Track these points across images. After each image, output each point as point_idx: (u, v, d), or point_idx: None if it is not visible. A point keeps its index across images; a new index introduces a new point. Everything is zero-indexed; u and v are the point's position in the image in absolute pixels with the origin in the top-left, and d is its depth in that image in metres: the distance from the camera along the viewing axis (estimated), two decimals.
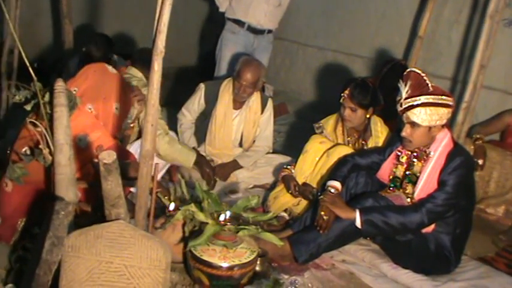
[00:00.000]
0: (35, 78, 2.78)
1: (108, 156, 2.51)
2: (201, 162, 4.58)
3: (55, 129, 2.69)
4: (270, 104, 5.06)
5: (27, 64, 2.81)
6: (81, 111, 3.39)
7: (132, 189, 3.58)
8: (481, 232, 4.23)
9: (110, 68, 3.85)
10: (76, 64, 5.59)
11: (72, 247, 2.50)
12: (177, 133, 5.05)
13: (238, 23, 5.92)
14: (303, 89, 7.76)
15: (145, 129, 2.54)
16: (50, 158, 2.79)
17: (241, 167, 4.85)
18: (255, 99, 4.95)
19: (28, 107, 3.04)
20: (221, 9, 6.02)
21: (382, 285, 3.48)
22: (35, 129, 2.80)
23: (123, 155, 3.53)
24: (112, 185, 2.56)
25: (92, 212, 3.10)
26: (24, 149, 3.17)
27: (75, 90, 3.50)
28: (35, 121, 2.83)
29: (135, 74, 4.50)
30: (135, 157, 3.68)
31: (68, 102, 2.81)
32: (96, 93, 3.62)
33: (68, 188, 2.69)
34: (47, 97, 2.96)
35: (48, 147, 2.81)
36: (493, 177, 4.75)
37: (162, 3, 2.39)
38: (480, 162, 4.56)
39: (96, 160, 3.15)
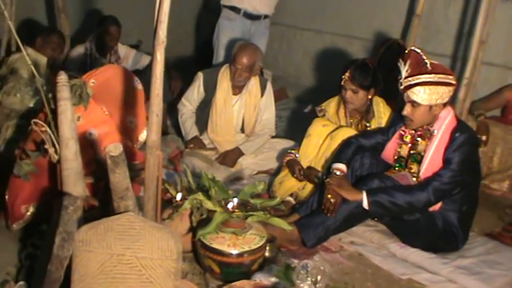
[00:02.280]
0: (37, 75, 2.77)
1: (114, 149, 2.50)
2: None
3: (60, 124, 2.68)
4: (269, 86, 5.06)
5: (28, 61, 2.80)
6: (95, 108, 3.38)
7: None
8: (486, 208, 4.24)
9: (136, 80, 3.84)
10: (81, 53, 5.60)
11: (83, 241, 2.50)
12: (178, 123, 5.06)
13: (234, 9, 5.91)
14: (301, 73, 7.75)
15: (150, 119, 2.53)
16: (56, 157, 2.79)
17: (243, 154, 4.85)
18: (254, 83, 4.95)
19: (31, 103, 3.03)
20: None
21: (392, 265, 3.49)
22: (39, 129, 2.79)
23: (131, 156, 3.53)
24: (120, 178, 2.55)
25: (100, 206, 3.10)
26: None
27: (93, 83, 3.51)
28: (38, 121, 2.81)
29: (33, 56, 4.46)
30: (142, 158, 3.66)
31: (80, 92, 2.80)
32: (113, 100, 3.62)
33: (76, 182, 2.69)
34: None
35: (54, 146, 2.80)
36: (496, 153, 4.76)
37: None
38: (483, 138, 4.55)
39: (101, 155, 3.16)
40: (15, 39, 4.89)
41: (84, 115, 3.30)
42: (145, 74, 5.40)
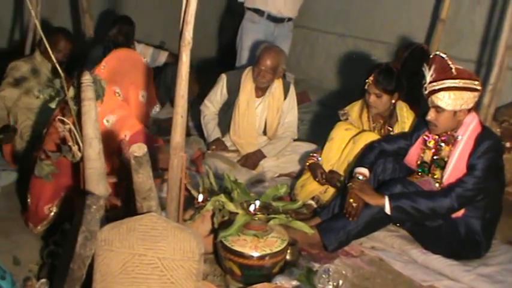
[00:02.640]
0: (62, 74, 2.78)
1: (138, 149, 2.51)
2: None
3: (84, 124, 2.70)
4: (292, 89, 5.06)
5: (54, 61, 2.82)
6: (109, 95, 3.41)
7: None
8: (510, 216, 4.17)
9: (138, 55, 3.88)
10: (100, 53, 5.63)
11: (105, 241, 2.51)
12: (200, 125, 5.07)
13: (258, 12, 5.90)
14: (323, 77, 7.73)
15: (174, 120, 2.54)
16: (80, 154, 2.80)
17: (265, 157, 4.85)
18: (277, 85, 4.95)
19: (53, 105, 3.05)
20: None
21: (413, 271, 3.47)
22: (63, 126, 2.81)
23: (151, 140, 3.55)
24: (143, 178, 2.56)
25: (122, 206, 3.11)
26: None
27: (104, 66, 3.56)
28: (63, 118, 2.83)
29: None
30: (162, 141, 3.68)
31: (96, 88, 2.82)
32: (124, 77, 3.66)
33: (99, 182, 2.71)
34: (71, 92, 2.97)
35: (77, 143, 2.82)
36: None
37: None
38: (508, 145, 4.50)
39: (124, 152, 3.17)
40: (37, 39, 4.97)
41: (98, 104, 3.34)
42: (165, 73, 5.44)
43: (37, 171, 3.27)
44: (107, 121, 3.41)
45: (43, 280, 2.79)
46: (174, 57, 5.88)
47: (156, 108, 4.18)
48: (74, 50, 4.83)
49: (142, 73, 3.78)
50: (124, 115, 3.51)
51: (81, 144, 2.78)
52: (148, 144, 2.61)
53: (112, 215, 2.79)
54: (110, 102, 3.43)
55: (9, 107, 4.45)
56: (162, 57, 6.17)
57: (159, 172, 3.26)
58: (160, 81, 5.48)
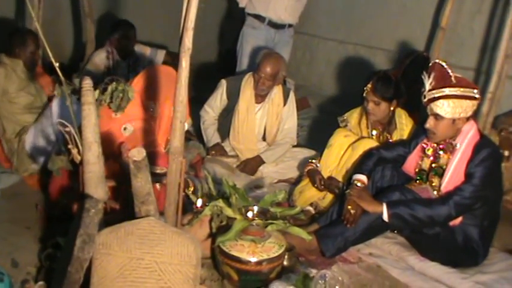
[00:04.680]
0: (63, 78, 2.80)
1: (137, 154, 2.52)
2: None
3: (83, 128, 2.71)
4: (292, 96, 5.07)
5: (54, 64, 2.82)
6: (133, 105, 3.45)
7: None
8: (508, 224, 4.18)
9: (174, 71, 3.92)
10: (103, 57, 5.65)
11: (103, 244, 2.52)
12: (200, 130, 5.08)
13: (259, 18, 5.93)
14: (324, 83, 7.74)
15: (173, 125, 2.55)
16: (79, 157, 2.81)
17: (264, 162, 4.86)
18: (277, 91, 4.96)
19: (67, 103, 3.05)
20: (241, 5, 6.03)
21: (410, 277, 3.47)
22: (63, 129, 2.82)
23: (158, 160, 3.59)
24: (142, 182, 2.57)
25: (121, 210, 3.12)
26: None
27: (139, 81, 3.70)
28: (63, 121, 2.84)
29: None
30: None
31: (121, 97, 2.84)
32: (160, 93, 3.71)
33: (98, 185, 2.71)
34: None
35: (77, 146, 2.83)
36: None
37: (189, 0, 2.40)
38: (506, 153, 4.51)
39: (125, 156, 3.18)
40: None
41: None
42: None
43: (50, 165, 3.30)
44: (125, 129, 3.44)
45: (41, 283, 2.80)
46: (172, 56, 5.90)
47: (187, 124, 4.16)
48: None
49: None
50: (143, 128, 3.53)
51: (80, 147, 2.79)
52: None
53: (111, 218, 2.79)
54: (132, 111, 3.46)
55: None
56: (160, 56, 6.17)
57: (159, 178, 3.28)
58: None
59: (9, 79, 4.35)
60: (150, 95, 3.65)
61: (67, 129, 2.78)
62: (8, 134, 4.39)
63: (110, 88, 3.35)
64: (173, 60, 5.66)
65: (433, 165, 3.65)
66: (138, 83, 3.69)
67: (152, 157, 3.43)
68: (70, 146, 2.82)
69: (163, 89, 3.75)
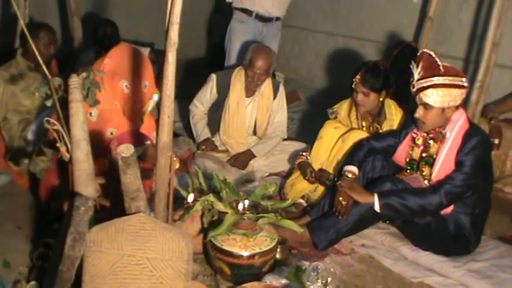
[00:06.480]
0: (49, 77, 2.77)
1: (126, 150, 2.50)
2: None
3: (71, 125, 2.69)
4: (281, 89, 5.07)
5: (41, 63, 2.80)
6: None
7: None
8: (499, 211, 4.21)
9: (136, 48, 3.92)
10: (92, 58, 5.62)
11: (94, 242, 2.51)
12: (189, 125, 5.07)
13: (246, 11, 5.90)
14: (313, 76, 7.75)
15: (161, 120, 2.53)
16: (68, 155, 2.80)
17: (255, 156, 4.86)
18: (267, 85, 4.96)
19: (48, 103, 3.03)
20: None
21: (403, 267, 3.48)
22: (51, 127, 2.80)
23: (139, 139, 3.56)
24: (131, 178, 2.55)
25: (111, 207, 3.11)
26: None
27: (107, 61, 3.63)
28: (50, 119, 2.82)
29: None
30: (151, 138, 3.69)
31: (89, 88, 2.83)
32: (130, 70, 3.69)
33: (87, 183, 2.69)
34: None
35: (65, 144, 2.81)
36: (509, 156, 4.74)
37: None
38: (496, 141, 4.52)
39: (113, 153, 3.16)
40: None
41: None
42: None
43: (32, 167, 3.27)
44: (90, 114, 3.43)
45: (33, 282, 2.79)
46: (156, 53, 5.89)
47: (155, 96, 4.17)
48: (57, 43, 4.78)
49: (145, 63, 3.82)
50: (106, 109, 3.51)
51: (69, 145, 2.77)
52: (136, 144, 2.61)
53: (101, 216, 2.78)
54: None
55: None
56: (145, 53, 6.16)
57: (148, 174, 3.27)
58: None
59: (16, 84, 4.39)
60: (121, 74, 3.68)
61: (54, 127, 2.76)
62: (12, 124, 4.39)
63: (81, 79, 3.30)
64: (157, 57, 5.65)
65: (423, 154, 3.65)
66: (106, 64, 3.66)
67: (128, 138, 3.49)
68: (58, 144, 2.80)
69: (130, 66, 3.75)
